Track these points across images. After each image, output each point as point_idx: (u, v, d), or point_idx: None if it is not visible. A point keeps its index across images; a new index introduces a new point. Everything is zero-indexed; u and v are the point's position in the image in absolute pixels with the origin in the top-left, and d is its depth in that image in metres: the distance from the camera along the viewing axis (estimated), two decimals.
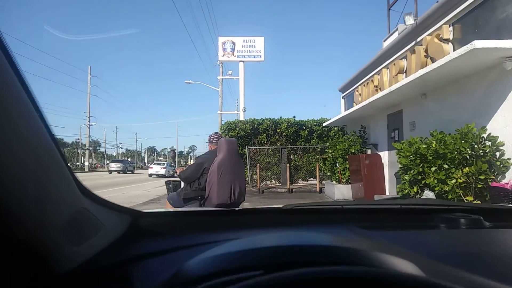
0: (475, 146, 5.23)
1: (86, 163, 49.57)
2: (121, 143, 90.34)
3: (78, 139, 66.94)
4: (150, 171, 33.29)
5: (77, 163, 65.36)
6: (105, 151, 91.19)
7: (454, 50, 6.42)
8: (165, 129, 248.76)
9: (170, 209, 3.61)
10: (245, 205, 8.99)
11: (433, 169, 5.53)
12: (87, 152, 51.37)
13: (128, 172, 41.21)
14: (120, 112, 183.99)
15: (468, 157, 5.25)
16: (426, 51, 7.67)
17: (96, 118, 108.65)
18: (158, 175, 31.59)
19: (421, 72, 6.20)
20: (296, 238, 0.81)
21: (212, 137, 4.48)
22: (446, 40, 7.10)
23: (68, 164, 0.67)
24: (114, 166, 40.44)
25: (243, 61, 22.99)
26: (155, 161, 44.97)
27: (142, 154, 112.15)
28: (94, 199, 0.76)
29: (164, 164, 35.35)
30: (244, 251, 0.66)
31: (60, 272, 0.61)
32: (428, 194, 5.58)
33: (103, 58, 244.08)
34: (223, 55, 22.91)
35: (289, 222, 1.19)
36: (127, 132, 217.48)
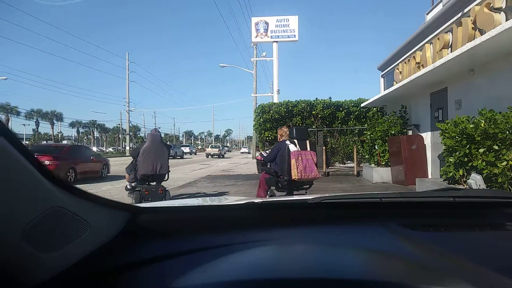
0: None
1: (127, 148, 51.50)
2: (159, 128, 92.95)
3: (119, 124, 69.57)
4: (208, 151, 45.01)
5: (118, 147, 68.09)
6: (145, 135, 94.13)
7: (507, 20, 5.85)
8: (202, 113, 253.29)
9: (176, 202, 3.52)
10: (273, 188, 7.65)
11: (481, 150, 5.15)
12: (127, 137, 53.35)
13: (221, 157, 44.39)
14: (158, 98, 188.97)
15: None
16: (474, 22, 7.12)
17: (135, 103, 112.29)
18: (213, 156, 41.91)
19: (469, 45, 5.77)
20: (321, 260, 0.69)
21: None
22: (498, 10, 6.53)
23: (38, 160, 0.57)
24: (211, 150, 44.92)
25: (276, 42, 22.55)
26: (211, 145, 58.26)
27: (180, 138, 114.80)
28: (78, 195, 0.66)
29: (217, 147, 47.39)
30: (252, 283, 0.58)
31: (32, 284, 0.53)
32: (476, 178, 5.21)
33: (139, 42, 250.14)
34: (256, 36, 22.59)
35: (315, 218, 1.03)
36: (165, 117, 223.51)
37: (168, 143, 9.89)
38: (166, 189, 6.52)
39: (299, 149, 4.94)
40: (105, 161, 14.89)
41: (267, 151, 5.84)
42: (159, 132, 6.97)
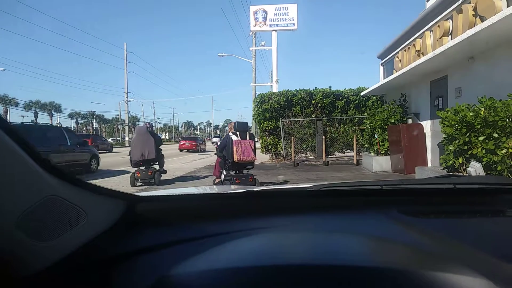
0: None
1: (126, 138, 51.43)
2: (158, 118, 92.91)
3: (118, 115, 69.41)
4: (213, 140, 43.11)
5: (118, 138, 68.06)
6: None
7: (508, 6, 5.79)
8: (201, 103, 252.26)
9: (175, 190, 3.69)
10: (280, 178, 8.90)
11: (481, 138, 5.15)
12: (126, 128, 53.20)
13: None
14: (157, 88, 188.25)
15: None
16: (475, 9, 7.05)
17: (134, 94, 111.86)
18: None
19: (470, 32, 5.71)
20: (320, 247, 0.69)
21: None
22: None
23: (34, 149, 0.57)
24: (215, 139, 46.27)
25: (275, 30, 22.35)
26: (214, 135, 61.07)
27: (179, 129, 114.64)
28: (75, 184, 0.65)
29: (218, 137, 48.70)
30: (255, 270, 0.57)
31: (28, 273, 0.52)
32: (475, 166, 5.21)
33: (137, 34, 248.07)
34: (255, 25, 22.37)
35: (315, 206, 1.02)
36: (164, 107, 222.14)
37: (167, 133, 10.11)
38: (156, 171, 8.17)
39: (240, 139, 6.66)
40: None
41: (219, 143, 7.64)
42: (145, 125, 8.71)
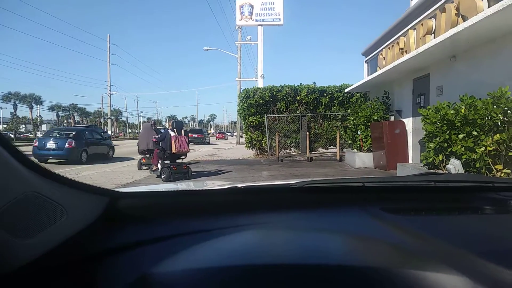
0: (508, 111, 4.87)
1: (109, 132, 50.66)
2: (142, 112, 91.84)
3: (100, 108, 68.15)
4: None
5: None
6: (127, 119, 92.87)
7: (489, 7, 5.89)
8: (185, 97, 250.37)
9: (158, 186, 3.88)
10: (264, 173, 9.47)
11: (460, 136, 5.25)
12: (109, 121, 52.47)
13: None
14: (141, 81, 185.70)
15: (499, 123, 4.94)
16: (457, 8, 7.15)
17: (117, 87, 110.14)
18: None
19: (452, 31, 5.79)
20: (303, 246, 0.70)
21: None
22: None
23: (11, 144, 0.56)
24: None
25: (261, 25, 22.24)
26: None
27: (163, 123, 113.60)
28: (54, 180, 0.63)
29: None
30: (239, 269, 0.57)
31: (6, 271, 0.51)
32: (454, 163, 5.32)
33: (122, 28, 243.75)
34: (241, 19, 22.20)
35: (298, 202, 1.02)
36: (147, 101, 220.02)
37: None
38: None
39: (177, 135, 8.45)
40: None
41: (157, 136, 9.35)
42: (149, 122, 11.28)
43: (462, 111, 5.25)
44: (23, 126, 68.56)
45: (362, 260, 0.61)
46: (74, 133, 13.90)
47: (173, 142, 8.29)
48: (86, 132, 14.73)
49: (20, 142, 33.10)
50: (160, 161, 8.72)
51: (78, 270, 0.64)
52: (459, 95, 5.57)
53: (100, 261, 0.67)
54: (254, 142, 15.84)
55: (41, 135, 20.65)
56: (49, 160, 13.36)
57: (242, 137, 12.18)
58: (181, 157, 8.79)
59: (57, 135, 13.80)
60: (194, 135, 33.03)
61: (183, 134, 8.59)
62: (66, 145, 12.86)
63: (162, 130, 10.90)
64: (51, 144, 13.03)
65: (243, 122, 16.58)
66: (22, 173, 0.57)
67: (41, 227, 0.58)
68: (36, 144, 13.31)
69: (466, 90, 5.75)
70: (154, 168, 9.28)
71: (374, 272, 0.55)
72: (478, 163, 5.03)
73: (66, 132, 14.36)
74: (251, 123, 15.55)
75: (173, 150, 8.30)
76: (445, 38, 6.01)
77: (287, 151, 15.71)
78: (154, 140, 9.19)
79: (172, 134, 8.37)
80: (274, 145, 14.73)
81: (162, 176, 8.41)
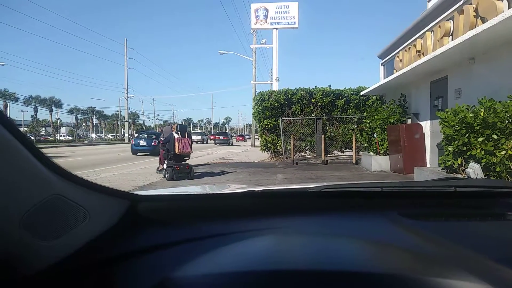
0: None
1: (126, 135, 51.38)
2: (158, 115, 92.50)
3: (118, 111, 69.20)
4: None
5: (117, 134, 67.86)
6: (144, 122, 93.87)
7: (509, 8, 5.78)
8: (201, 100, 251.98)
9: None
10: (279, 176, 9.53)
11: (480, 139, 5.14)
12: (126, 124, 53.11)
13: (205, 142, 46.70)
14: (157, 85, 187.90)
15: None
16: (476, 10, 7.03)
17: (134, 90, 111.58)
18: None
19: (470, 33, 5.69)
20: (321, 251, 0.69)
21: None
22: None
23: (36, 147, 0.56)
24: (195, 137, 46.47)
25: (276, 29, 22.29)
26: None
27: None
28: (78, 183, 0.64)
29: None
30: (258, 274, 0.58)
31: (30, 272, 0.52)
32: (474, 167, 5.22)
33: (139, 33, 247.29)
34: (256, 22, 22.31)
35: (316, 207, 1.02)
36: (164, 104, 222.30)
37: None
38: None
39: (180, 137, 9.22)
40: None
41: (162, 138, 9.96)
42: (169, 125, 11.61)
43: (482, 114, 5.16)
44: (43, 128, 70.20)
45: (382, 267, 0.60)
46: (154, 136, 18.95)
47: (176, 143, 9.03)
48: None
49: (41, 144, 33.88)
50: (165, 161, 9.42)
51: (99, 273, 0.65)
52: (477, 98, 5.47)
53: (120, 264, 0.67)
54: (269, 145, 15.82)
55: (135, 136, 25.56)
56: (138, 154, 18.76)
57: (257, 139, 12.23)
58: (185, 158, 9.47)
59: (146, 137, 19.42)
60: (221, 137, 41.95)
61: (186, 136, 9.39)
62: (152, 144, 18.24)
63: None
64: (142, 143, 18.94)
65: (258, 125, 16.57)
66: (47, 176, 0.58)
67: (64, 230, 0.59)
68: (133, 142, 19.50)
69: (485, 93, 5.65)
70: (160, 168, 10.04)
71: (394, 279, 0.54)
72: (499, 167, 4.93)
73: (149, 134, 20.08)
74: (266, 126, 15.55)
75: (177, 151, 9.02)
76: (463, 40, 5.91)
77: (302, 154, 15.63)
78: (161, 142, 9.85)
79: (176, 136, 9.16)
80: (289, 148, 14.69)
81: (166, 175, 9.16)
